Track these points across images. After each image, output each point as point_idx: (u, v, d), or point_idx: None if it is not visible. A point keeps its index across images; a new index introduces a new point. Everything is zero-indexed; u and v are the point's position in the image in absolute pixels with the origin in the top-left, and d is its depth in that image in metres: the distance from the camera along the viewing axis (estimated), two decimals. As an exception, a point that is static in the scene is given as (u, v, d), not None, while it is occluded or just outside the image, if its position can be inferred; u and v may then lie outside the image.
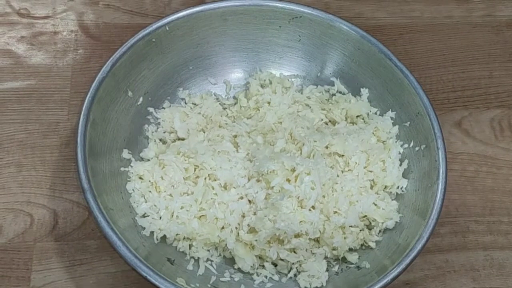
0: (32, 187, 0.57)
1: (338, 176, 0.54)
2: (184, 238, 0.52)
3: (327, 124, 0.60)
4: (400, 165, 0.56)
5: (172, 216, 0.52)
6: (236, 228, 0.52)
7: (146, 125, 0.58)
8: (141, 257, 0.46)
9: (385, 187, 0.56)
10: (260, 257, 0.53)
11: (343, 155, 0.55)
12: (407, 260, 0.48)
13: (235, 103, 0.61)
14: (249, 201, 0.53)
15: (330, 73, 0.61)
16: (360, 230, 0.54)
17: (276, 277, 0.52)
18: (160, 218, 0.52)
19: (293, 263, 0.52)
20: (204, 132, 0.57)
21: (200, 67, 0.61)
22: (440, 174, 0.52)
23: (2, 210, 0.56)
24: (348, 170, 0.55)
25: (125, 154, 0.55)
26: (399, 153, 0.57)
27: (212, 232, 0.52)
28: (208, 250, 0.53)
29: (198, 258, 0.52)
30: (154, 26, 0.56)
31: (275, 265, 0.53)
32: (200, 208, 0.52)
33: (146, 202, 0.53)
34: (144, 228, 0.51)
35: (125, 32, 0.66)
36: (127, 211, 0.52)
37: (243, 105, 0.61)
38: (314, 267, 0.51)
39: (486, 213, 0.60)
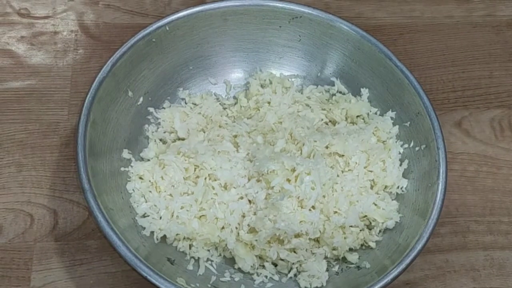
0: (32, 187, 0.57)
1: (338, 176, 0.54)
2: (184, 238, 0.52)
3: (327, 124, 0.60)
4: (400, 165, 0.56)
5: (172, 216, 0.52)
6: (236, 228, 0.52)
7: (146, 125, 0.58)
8: (141, 257, 0.46)
9: (385, 187, 0.56)
10: (260, 257, 0.53)
11: (343, 155, 0.55)
12: (407, 260, 0.48)
13: (235, 103, 0.61)
14: (249, 201, 0.53)
15: (330, 73, 0.61)
16: (360, 230, 0.54)
17: (276, 277, 0.52)
18: (160, 218, 0.52)
19: (293, 263, 0.52)
20: (204, 132, 0.57)
21: (200, 67, 0.61)
22: (440, 174, 0.52)
23: (2, 210, 0.56)
24: (348, 170, 0.55)
25: (125, 154, 0.55)
26: (399, 153, 0.57)
27: (212, 232, 0.52)
28: (208, 250, 0.53)
29: (198, 258, 0.52)
30: (154, 26, 0.56)
31: (275, 265, 0.53)
32: (200, 208, 0.52)
33: (146, 202, 0.53)
34: (144, 228, 0.51)
35: (125, 32, 0.66)
36: (127, 211, 0.52)
37: (243, 105, 0.61)
38: (314, 267, 0.51)
39: (486, 213, 0.60)
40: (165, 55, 0.58)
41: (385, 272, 0.48)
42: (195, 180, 0.53)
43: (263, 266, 0.52)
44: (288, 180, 0.52)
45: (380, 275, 0.48)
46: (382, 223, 0.54)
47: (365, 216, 0.54)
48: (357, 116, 0.60)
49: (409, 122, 0.57)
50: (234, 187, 0.53)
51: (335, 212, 0.53)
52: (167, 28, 0.57)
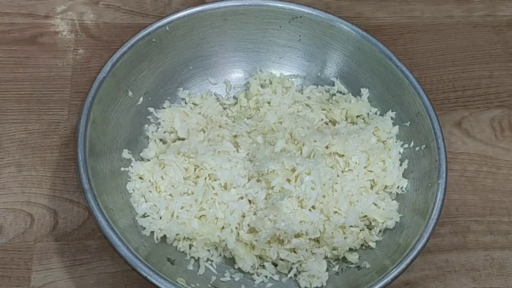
0: (32, 187, 0.57)
1: (338, 176, 0.54)
2: (184, 238, 0.52)
3: (327, 124, 0.60)
4: (400, 165, 0.56)
5: (172, 216, 0.52)
6: (236, 228, 0.52)
7: (146, 125, 0.58)
8: (141, 257, 0.46)
9: (385, 187, 0.56)
10: (260, 257, 0.53)
11: (343, 155, 0.55)
12: (407, 260, 0.48)
13: (235, 103, 0.61)
14: (249, 201, 0.53)
15: (330, 73, 0.61)
16: (360, 230, 0.54)
17: (276, 277, 0.52)
18: (160, 218, 0.52)
19: (293, 263, 0.52)
20: (204, 132, 0.57)
21: (200, 67, 0.61)
22: (440, 174, 0.52)
23: (3, 210, 0.56)
24: (348, 170, 0.55)
25: (125, 154, 0.55)
26: (399, 153, 0.57)
27: (212, 232, 0.52)
28: (208, 250, 0.53)
29: (198, 258, 0.52)
30: (155, 26, 0.56)
31: (275, 265, 0.53)
32: (200, 208, 0.52)
33: (146, 202, 0.53)
34: (144, 228, 0.51)
35: (125, 32, 0.66)
36: (127, 211, 0.52)
37: (243, 105, 0.61)
38: (314, 267, 0.51)
39: (487, 213, 0.60)
40: (165, 55, 0.58)
41: (385, 272, 0.48)
42: (195, 180, 0.53)
43: (263, 266, 0.52)
44: (288, 180, 0.52)
45: (380, 275, 0.48)
46: (382, 223, 0.54)
47: (365, 216, 0.54)
48: (357, 116, 0.60)
49: (409, 122, 0.57)
50: (234, 187, 0.53)
51: (335, 212, 0.53)
52: (167, 28, 0.57)
